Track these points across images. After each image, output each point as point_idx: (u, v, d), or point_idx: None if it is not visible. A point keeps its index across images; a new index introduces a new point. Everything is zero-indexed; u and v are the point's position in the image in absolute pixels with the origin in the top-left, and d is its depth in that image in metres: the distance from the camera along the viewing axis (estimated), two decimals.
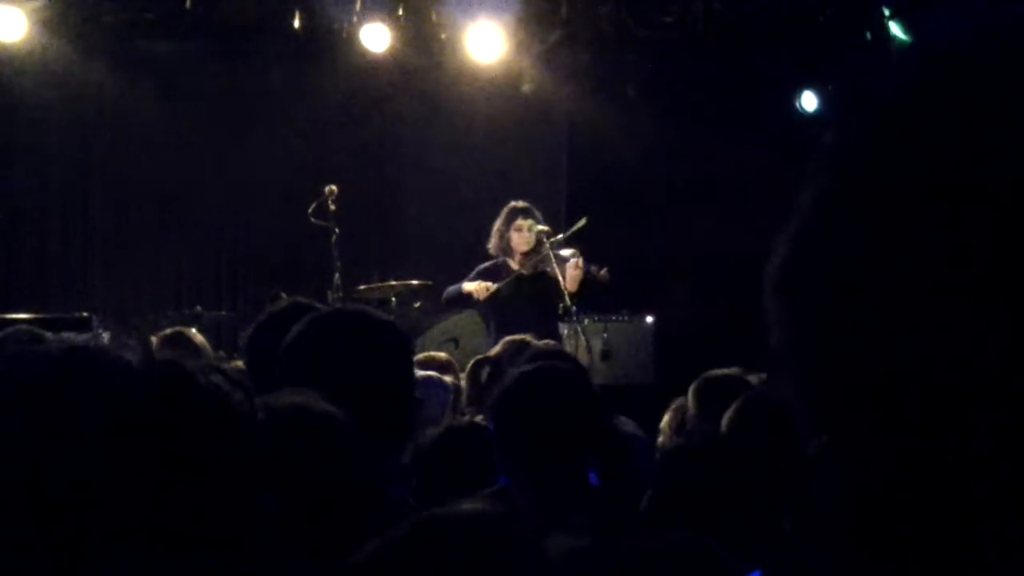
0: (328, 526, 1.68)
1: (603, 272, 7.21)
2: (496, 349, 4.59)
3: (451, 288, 7.36)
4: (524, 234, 7.18)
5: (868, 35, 8.80)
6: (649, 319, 8.31)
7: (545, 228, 7.17)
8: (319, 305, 2.95)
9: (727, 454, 2.73)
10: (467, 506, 1.68)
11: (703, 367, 4.49)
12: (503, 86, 9.59)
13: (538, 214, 7.31)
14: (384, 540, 0.84)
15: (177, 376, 1.16)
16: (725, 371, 3.98)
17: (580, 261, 7.05)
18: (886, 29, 8.48)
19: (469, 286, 7.19)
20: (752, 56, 9.21)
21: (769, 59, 9.26)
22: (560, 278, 6.86)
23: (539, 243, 7.12)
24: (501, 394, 2.75)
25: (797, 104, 9.69)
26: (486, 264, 7.40)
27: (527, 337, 4.56)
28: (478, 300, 7.13)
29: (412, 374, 2.59)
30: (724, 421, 3.11)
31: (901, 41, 8.75)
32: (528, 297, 7.10)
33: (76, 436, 1.07)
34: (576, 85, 9.72)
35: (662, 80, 9.54)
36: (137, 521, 1.07)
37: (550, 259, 7.00)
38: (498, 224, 7.34)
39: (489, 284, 7.13)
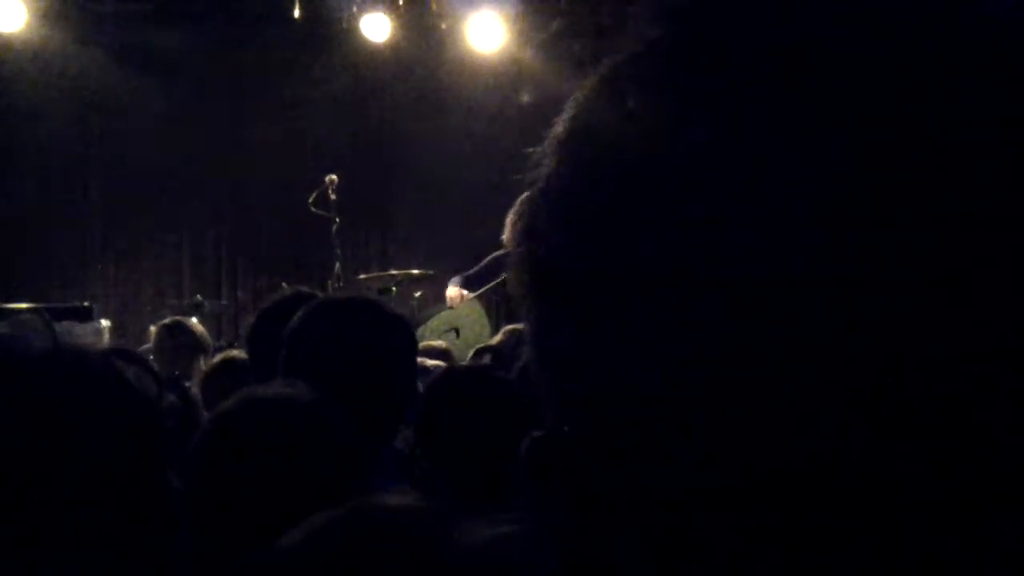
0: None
1: None
2: (497, 338, 4.60)
3: (453, 280, 7.43)
4: None
5: None
6: None
7: None
8: (321, 295, 2.96)
9: None
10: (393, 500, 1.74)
11: None
12: (503, 76, 9.59)
13: None
14: (312, 525, 0.85)
15: (74, 362, 1.16)
16: None
17: None
18: None
19: (450, 291, 7.33)
20: None
21: None
22: None
23: None
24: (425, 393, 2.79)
25: None
26: (495, 257, 7.37)
27: None
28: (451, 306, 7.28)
29: (414, 365, 2.61)
30: None
31: None
32: None
33: None
34: (577, 73, 9.70)
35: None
36: (43, 503, 1.07)
37: None
38: (512, 215, 7.29)
39: (465, 293, 7.23)
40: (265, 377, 2.66)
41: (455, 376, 2.90)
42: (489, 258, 7.41)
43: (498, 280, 7.34)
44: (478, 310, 7.81)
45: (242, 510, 1.67)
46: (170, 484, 1.23)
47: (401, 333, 2.50)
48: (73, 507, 1.09)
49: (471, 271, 7.44)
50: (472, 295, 7.29)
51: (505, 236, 7.39)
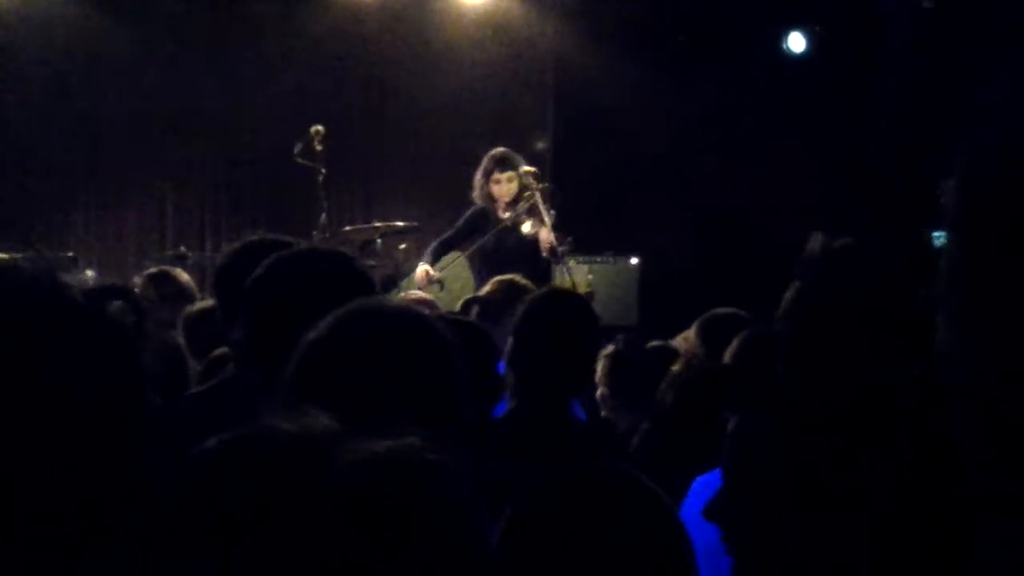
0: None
1: (563, 248, 7.06)
2: (486, 289, 4.59)
3: (428, 251, 7.32)
4: (504, 186, 7.09)
5: None
6: (634, 260, 8.33)
7: (528, 170, 7.09)
8: (288, 240, 2.91)
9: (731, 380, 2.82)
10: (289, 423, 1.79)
11: (687, 308, 4.53)
12: (490, 26, 9.53)
13: (519, 159, 7.19)
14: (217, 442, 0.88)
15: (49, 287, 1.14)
16: (728, 309, 4.04)
17: (545, 234, 6.93)
18: None
19: (418, 272, 7.14)
20: None
21: None
22: (536, 230, 6.84)
23: (522, 190, 7.04)
24: None
25: (784, 45, 9.65)
26: (472, 212, 7.30)
27: (516, 277, 4.56)
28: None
29: None
30: (728, 354, 3.21)
31: None
32: (513, 246, 7.03)
33: None
34: (563, 24, 9.66)
35: (649, 20, 9.48)
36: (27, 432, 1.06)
37: (526, 213, 6.95)
38: (478, 175, 7.22)
39: (429, 270, 7.07)
40: (230, 324, 2.65)
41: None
42: (463, 218, 7.32)
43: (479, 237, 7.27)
44: (462, 263, 7.79)
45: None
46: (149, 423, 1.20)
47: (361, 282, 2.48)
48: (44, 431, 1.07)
49: (448, 233, 7.36)
50: (436, 273, 7.13)
51: (474, 194, 7.30)
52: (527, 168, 7.14)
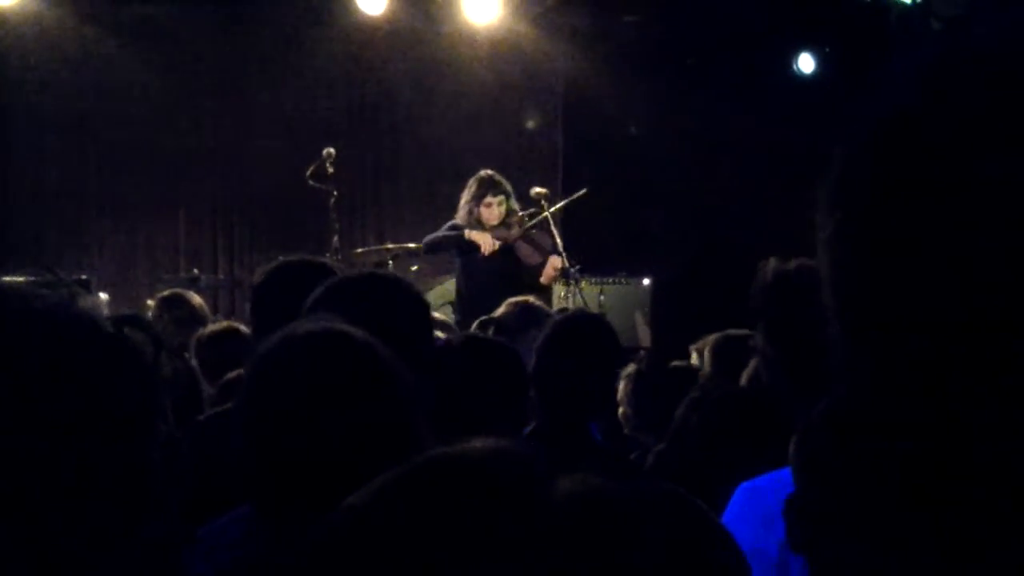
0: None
1: (574, 269, 7.10)
2: (501, 310, 4.60)
3: (437, 235, 7.22)
4: (494, 209, 7.07)
5: None
6: (646, 281, 8.33)
7: (541, 191, 7.11)
8: (323, 261, 2.97)
9: (749, 402, 2.82)
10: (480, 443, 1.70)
11: (699, 329, 4.53)
12: (500, 49, 9.56)
13: (507, 185, 7.18)
14: (387, 477, 0.78)
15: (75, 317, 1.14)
16: (741, 331, 4.02)
17: (558, 262, 6.96)
18: None
19: (476, 235, 7.04)
20: (749, 17, 9.17)
21: (767, 20, 9.22)
22: (525, 258, 6.84)
23: (508, 214, 7.04)
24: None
25: (794, 66, 9.67)
26: (450, 228, 7.23)
27: (531, 298, 4.58)
28: (480, 254, 6.98)
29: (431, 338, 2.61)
30: (745, 376, 3.20)
31: (899, 4, 8.71)
32: (498, 269, 6.97)
33: None
34: (573, 47, 9.69)
35: (659, 42, 9.51)
36: (23, 470, 1.06)
37: (519, 236, 6.95)
38: (466, 198, 7.17)
39: (494, 241, 7.02)
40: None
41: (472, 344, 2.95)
42: (447, 227, 7.25)
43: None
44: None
45: (303, 466, 1.58)
46: (154, 457, 1.20)
47: (419, 307, 2.51)
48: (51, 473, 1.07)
49: (436, 234, 7.28)
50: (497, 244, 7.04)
51: (458, 216, 7.24)
52: (539, 190, 7.15)
